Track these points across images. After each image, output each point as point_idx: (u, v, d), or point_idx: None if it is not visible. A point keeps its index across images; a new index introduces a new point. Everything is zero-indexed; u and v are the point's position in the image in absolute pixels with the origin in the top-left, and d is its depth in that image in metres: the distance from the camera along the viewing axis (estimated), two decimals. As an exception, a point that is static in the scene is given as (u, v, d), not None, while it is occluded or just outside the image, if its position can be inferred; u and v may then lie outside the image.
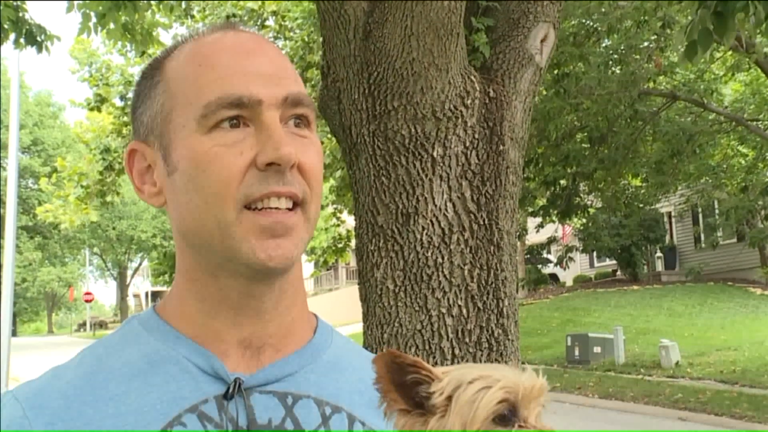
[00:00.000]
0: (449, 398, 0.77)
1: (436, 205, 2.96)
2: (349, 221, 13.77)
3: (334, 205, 15.56)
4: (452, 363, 2.88)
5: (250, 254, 0.89)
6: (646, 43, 12.83)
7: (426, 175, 2.97)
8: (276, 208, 0.89)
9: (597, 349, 16.54)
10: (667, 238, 28.34)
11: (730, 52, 13.50)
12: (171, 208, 0.96)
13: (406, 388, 0.79)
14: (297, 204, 0.91)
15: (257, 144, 0.89)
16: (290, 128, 0.93)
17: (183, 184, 0.92)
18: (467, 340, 2.90)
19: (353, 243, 3.48)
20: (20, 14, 5.94)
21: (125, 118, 14.94)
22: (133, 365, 0.92)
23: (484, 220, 2.99)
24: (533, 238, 25.04)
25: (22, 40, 5.98)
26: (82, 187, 15.70)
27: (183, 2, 10.62)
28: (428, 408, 0.78)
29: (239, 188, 0.88)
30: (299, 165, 0.91)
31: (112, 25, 5.83)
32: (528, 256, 28.83)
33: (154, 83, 0.97)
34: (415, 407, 0.79)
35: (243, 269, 0.91)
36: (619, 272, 28.53)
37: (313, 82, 11.22)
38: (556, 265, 27.98)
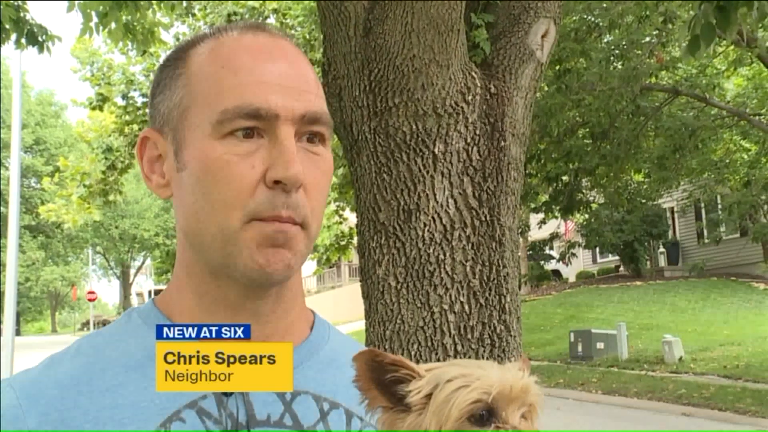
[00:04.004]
0: (429, 396, 0.77)
1: (437, 202, 2.96)
2: (352, 218, 13.75)
3: (337, 203, 15.55)
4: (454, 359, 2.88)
5: (249, 260, 0.89)
6: (647, 39, 12.80)
7: (427, 172, 2.97)
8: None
9: (600, 345, 16.52)
10: (670, 233, 28.28)
11: (732, 47, 13.47)
12: (176, 204, 0.96)
13: (387, 385, 0.79)
14: (297, 223, 0.90)
15: (269, 158, 0.88)
16: (303, 144, 0.92)
17: (190, 184, 0.92)
18: (469, 336, 2.90)
19: (356, 240, 3.47)
20: (21, 14, 5.93)
21: (127, 117, 14.95)
22: (131, 357, 0.92)
23: (485, 217, 2.99)
24: (536, 234, 25.06)
25: (23, 41, 5.97)
26: (84, 186, 15.72)
27: (184, 1, 10.62)
28: (409, 405, 0.78)
29: (249, 202, 0.88)
30: (304, 185, 0.90)
31: (113, 25, 5.82)
32: (530, 252, 28.84)
33: (177, 74, 0.95)
34: (397, 404, 0.79)
35: (239, 276, 0.90)
36: (621, 268, 28.48)
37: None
38: (558, 261, 28.03)
